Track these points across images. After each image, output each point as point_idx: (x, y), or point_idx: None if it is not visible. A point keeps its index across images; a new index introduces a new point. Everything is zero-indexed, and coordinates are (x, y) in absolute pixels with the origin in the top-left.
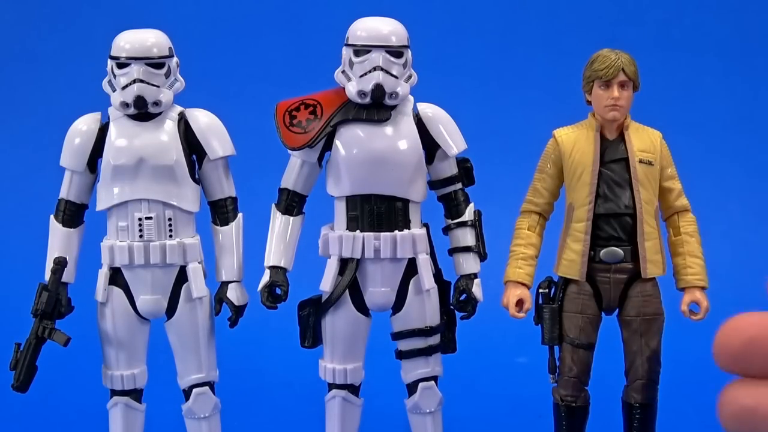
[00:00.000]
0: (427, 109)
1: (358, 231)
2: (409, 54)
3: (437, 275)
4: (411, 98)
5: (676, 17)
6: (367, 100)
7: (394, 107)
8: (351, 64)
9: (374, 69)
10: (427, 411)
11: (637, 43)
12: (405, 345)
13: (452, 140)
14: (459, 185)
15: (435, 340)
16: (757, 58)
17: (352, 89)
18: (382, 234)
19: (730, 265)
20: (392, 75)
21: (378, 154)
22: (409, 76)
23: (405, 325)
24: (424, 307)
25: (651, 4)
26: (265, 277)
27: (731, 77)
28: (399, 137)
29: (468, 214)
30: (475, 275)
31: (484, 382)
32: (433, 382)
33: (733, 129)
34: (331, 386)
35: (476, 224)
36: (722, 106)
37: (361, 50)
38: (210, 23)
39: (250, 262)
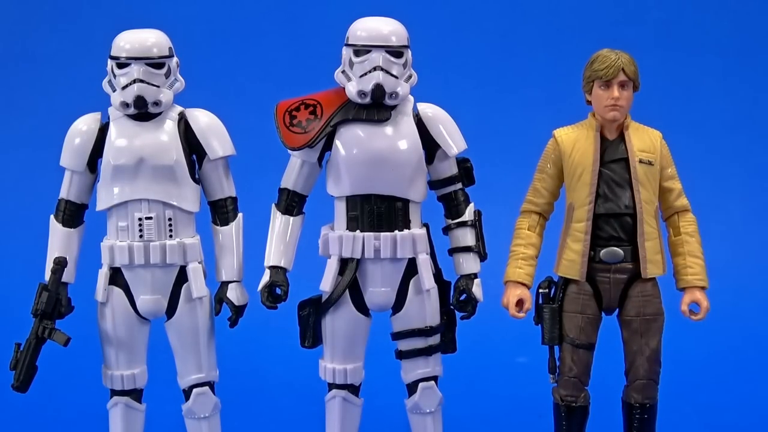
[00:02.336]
0: (428, 109)
1: (358, 231)
2: (409, 54)
3: (437, 275)
4: (411, 98)
5: (676, 17)
6: (367, 100)
7: (394, 107)
8: (351, 64)
9: (374, 69)
10: (428, 411)
11: (637, 43)
12: (405, 345)
13: (452, 140)
14: (459, 185)
15: (435, 340)
16: (757, 58)
17: (352, 89)
18: (382, 234)
19: (730, 265)
20: (392, 75)
21: (378, 154)
22: (409, 76)
23: (405, 325)
24: (424, 307)
25: (651, 4)
26: (265, 277)
27: (731, 77)
28: (399, 137)
29: (468, 214)
30: (475, 275)
31: (484, 382)
32: (433, 382)
33: (734, 129)
34: (331, 386)
35: (476, 224)
36: (722, 106)
37: (361, 50)
38: (210, 23)
39: (250, 262)
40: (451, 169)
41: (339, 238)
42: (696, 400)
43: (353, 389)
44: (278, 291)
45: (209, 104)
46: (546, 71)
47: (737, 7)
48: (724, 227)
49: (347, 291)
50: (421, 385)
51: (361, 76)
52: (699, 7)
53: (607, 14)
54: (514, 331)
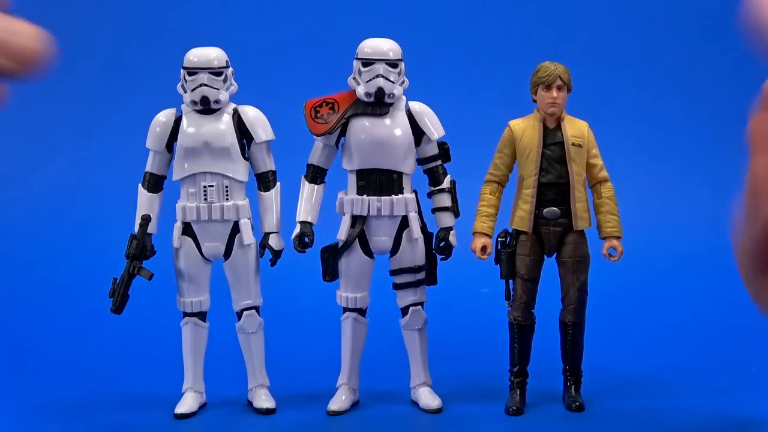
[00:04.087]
0: (416, 106)
1: (365, 195)
2: (402, 65)
3: (423, 228)
4: (404, 98)
5: (598, 38)
6: (372, 99)
7: (391, 104)
8: (360, 72)
9: (377, 76)
10: (416, 328)
11: (570, 57)
12: (399, 279)
13: (434, 128)
14: (439, 162)
15: (421, 275)
16: (656, 69)
17: (360, 91)
18: (382, 197)
19: (638, 221)
20: (390, 81)
21: (379, 138)
22: (403, 81)
23: (399, 264)
24: (413, 251)
25: (580, 29)
26: (297, 229)
27: (638, 82)
28: (395, 126)
29: (446, 183)
30: (451, 228)
31: (457, 306)
32: (420, 307)
33: (640, 120)
34: (345, 309)
35: (452, 190)
36: (632, 103)
37: (367, 62)
38: (257, 43)
39: (285, 219)
40: (433, 149)
41: (351, 201)
42: (613, 319)
43: (361, 312)
44: (306, 239)
45: (255, 102)
46: (504, 78)
47: (643, 32)
48: (633, 192)
49: (357, 239)
50: (411, 308)
51: (367, 82)
52: (614, 31)
53: (547, 36)
54: (480, 269)
